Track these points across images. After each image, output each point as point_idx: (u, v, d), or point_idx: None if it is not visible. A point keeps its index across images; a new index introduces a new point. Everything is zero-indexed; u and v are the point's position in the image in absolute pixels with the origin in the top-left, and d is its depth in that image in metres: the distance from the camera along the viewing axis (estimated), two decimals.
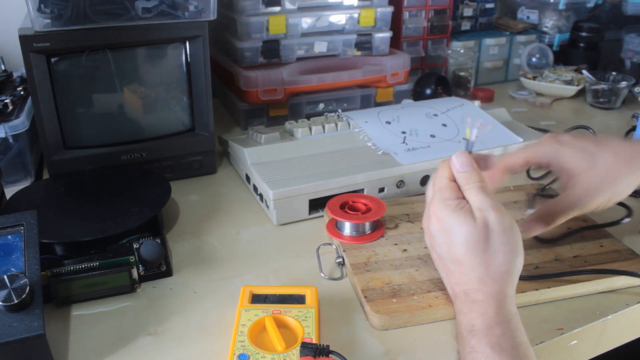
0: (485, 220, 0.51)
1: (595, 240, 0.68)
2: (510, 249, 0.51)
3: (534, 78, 1.28)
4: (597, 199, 0.59)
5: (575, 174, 0.60)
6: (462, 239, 0.52)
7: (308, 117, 0.93)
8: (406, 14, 1.18)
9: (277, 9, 0.99)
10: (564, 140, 0.61)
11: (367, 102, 1.11)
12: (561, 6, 1.33)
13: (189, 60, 0.82)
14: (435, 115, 0.91)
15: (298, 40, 1.02)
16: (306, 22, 1.02)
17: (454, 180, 0.55)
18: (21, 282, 0.50)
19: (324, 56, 1.06)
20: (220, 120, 1.09)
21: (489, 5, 1.37)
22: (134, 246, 0.62)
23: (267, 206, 0.75)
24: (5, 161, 0.82)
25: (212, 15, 0.79)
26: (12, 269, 0.53)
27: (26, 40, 0.70)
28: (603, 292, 0.61)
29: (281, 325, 0.54)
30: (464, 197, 0.55)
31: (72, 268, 0.59)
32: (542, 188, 0.80)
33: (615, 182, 0.59)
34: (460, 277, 0.53)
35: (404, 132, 0.86)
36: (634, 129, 1.02)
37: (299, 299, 0.57)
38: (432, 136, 0.86)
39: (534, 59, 1.33)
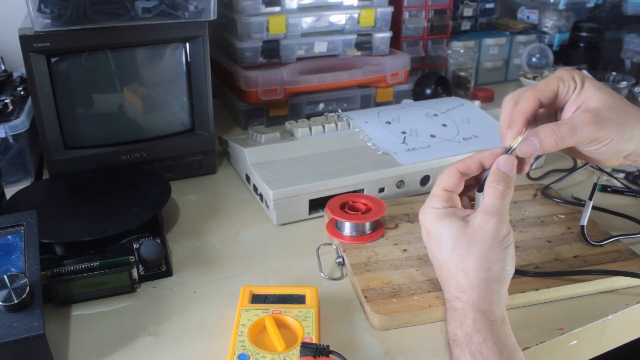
0: (481, 226, 0.51)
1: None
2: (497, 257, 0.50)
3: (534, 78, 1.28)
4: (607, 128, 0.53)
5: (586, 98, 0.55)
6: (448, 245, 0.52)
7: (308, 117, 0.93)
8: (406, 14, 1.18)
9: (277, 9, 0.99)
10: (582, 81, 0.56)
11: (367, 102, 1.11)
12: (561, 6, 1.33)
13: (189, 60, 0.82)
14: (435, 115, 0.91)
15: (298, 40, 1.02)
16: (306, 22, 1.02)
17: (449, 190, 0.55)
18: (21, 282, 0.50)
19: (324, 56, 1.06)
20: (220, 120, 1.09)
21: (489, 5, 1.36)
22: (134, 246, 0.62)
23: (267, 206, 0.75)
24: (5, 161, 0.82)
25: (212, 15, 0.79)
26: (12, 269, 0.53)
27: (26, 40, 0.70)
28: (603, 292, 0.61)
29: (281, 325, 0.54)
30: (454, 206, 0.54)
31: (72, 268, 0.58)
32: (543, 188, 0.80)
33: (627, 123, 0.54)
34: (444, 284, 0.54)
35: (404, 132, 0.86)
36: None
37: (299, 299, 0.57)
38: (432, 136, 0.86)
39: (534, 59, 1.33)
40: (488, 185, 0.53)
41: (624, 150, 0.55)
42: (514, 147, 0.54)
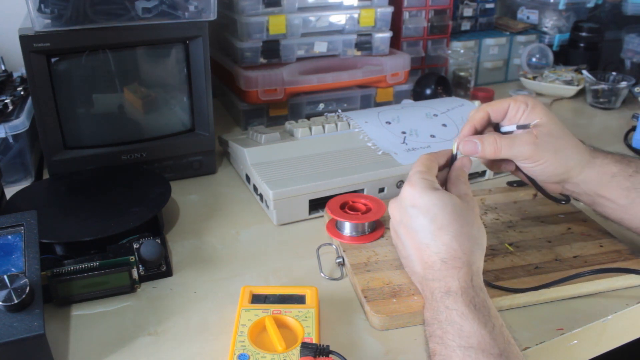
0: (465, 200, 0.57)
1: (595, 240, 0.68)
2: (477, 227, 0.56)
3: (534, 78, 1.28)
4: (542, 150, 0.60)
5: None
6: (450, 210, 0.55)
7: (308, 117, 0.93)
8: (406, 14, 1.18)
9: (277, 9, 0.99)
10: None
11: (367, 102, 1.11)
12: (561, 6, 1.33)
13: (189, 60, 0.82)
14: (435, 115, 0.91)
15: (298, 40, 1.02)
16: (306, 22, 1.02)
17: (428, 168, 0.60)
18: (21, 282, 0.50)
19: (324, 56, 1.06)
20: (220, 120, 1.09)
21: (489, 5, 1.36)
22: (134, 246, 0.62)
23: (267, 206, 0.75)
24: (5, 161, 0.82)
25: (212, 15, 0.79)
26: (12, 269, 0.53)
27: (26, 40, 0.70)
28: (603, 292, 0.61)
29: (281, 325, 0.54)
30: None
31: (72, 268, 0.59)
32: None
33: (562, 151, 0.61)
34: (441, 247, 0.54)
35: (404, 132, 0.86)
36: (633, 129, 1.02)
37: (299, 299, 0.57)
38: (432, 136, 0.86)
39: (534, 59, 1.33)
40: (454, 177, 0.60)
41: (557, 175, 0.62)
42: (455, 152, 0.62)
